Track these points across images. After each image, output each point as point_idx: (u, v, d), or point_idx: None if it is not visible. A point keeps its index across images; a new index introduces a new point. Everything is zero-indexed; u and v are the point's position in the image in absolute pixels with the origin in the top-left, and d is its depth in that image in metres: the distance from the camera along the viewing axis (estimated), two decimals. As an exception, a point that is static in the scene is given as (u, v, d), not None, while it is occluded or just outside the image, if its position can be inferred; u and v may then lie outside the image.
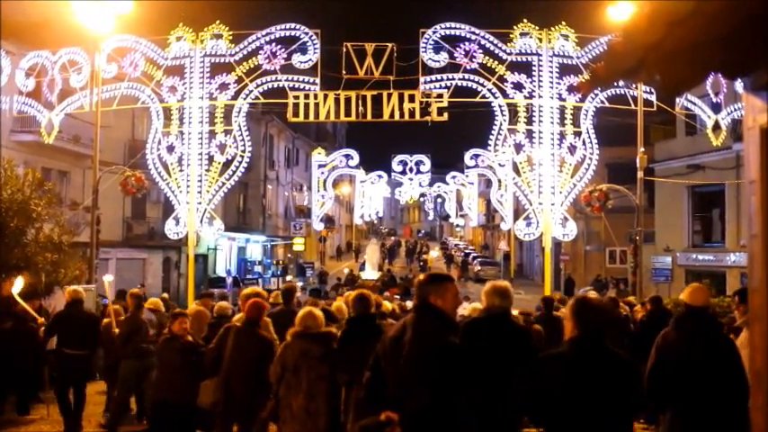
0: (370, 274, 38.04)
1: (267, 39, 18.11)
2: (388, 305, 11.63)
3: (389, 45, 17.98)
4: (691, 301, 6.37)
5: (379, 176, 44.59)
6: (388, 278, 35.72)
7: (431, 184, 44.71)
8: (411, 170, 37.63)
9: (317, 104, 18.13)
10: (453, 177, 44.21)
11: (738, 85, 13.66)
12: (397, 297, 23.23)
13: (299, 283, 35.81)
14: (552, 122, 18.57)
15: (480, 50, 18.07)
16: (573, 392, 3.84)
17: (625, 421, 3.97)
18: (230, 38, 18.44)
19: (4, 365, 10.27)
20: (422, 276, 4.68)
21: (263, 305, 8.05)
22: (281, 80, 18.27)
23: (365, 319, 6.97)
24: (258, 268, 41.07)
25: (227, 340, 7.63)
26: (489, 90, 18.39)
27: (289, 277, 37.39)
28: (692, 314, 6.31)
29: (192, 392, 8.04)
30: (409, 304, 17.12)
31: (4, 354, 10.29)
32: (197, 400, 7.94)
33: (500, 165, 25.44)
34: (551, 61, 18.42)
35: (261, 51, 18.08)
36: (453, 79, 18.19)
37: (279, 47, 18.02)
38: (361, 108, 18.18)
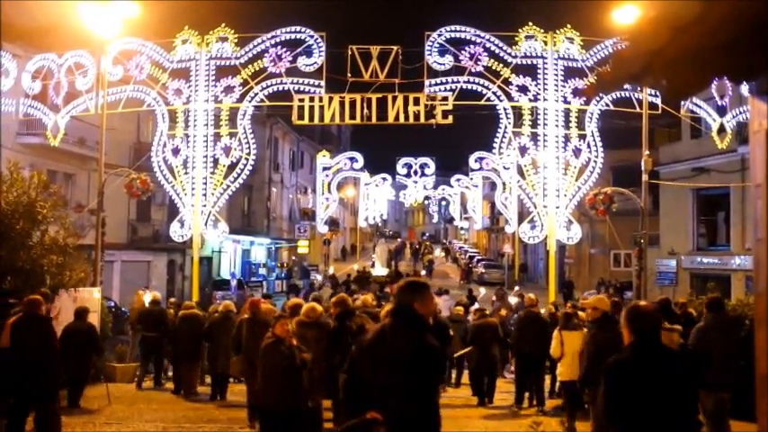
0: (380, 270, 39.57)
1: (272, 42, 18.16)
2: None
3: (395, 48, 17.99)
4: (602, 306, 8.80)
5: (384, 179, 44.60)
6: (395, 275, 37.70)
7: (435, 187, 44.77)
8: (416, 173, 37.66)
9: (321, 107, 18.15)
10: (458, 180, 44.22)
11: (744, 89, 13.67)
12: None
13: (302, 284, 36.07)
14: (557, 125, 18.56)
15: (485, 53, 18.07)
16: (640, 392, 4.16)
17: (691, 409, 4.32)
18: (236, 41, 18.50)
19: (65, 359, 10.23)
20: (402, 283, 4.82)
21: (258, 301, 11.09)
22: (286, 83, 18.32)
23: (347, 314, 8.76)
24: (262, 271, 41.09)
25: (243, 329, 10.18)
26: (494, 93, 18.41)
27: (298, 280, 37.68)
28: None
29: (299, 396, 7.65)
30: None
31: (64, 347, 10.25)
32: (305, 402, 7.91)
33: (505, 168, 25.44)
34: (556, 64, 18.42)
35: (266, 54, 18.11)
36: (458, 82, 18.19)
37: (284, 50, 18.06)
38: (366, 111, 18.18)
